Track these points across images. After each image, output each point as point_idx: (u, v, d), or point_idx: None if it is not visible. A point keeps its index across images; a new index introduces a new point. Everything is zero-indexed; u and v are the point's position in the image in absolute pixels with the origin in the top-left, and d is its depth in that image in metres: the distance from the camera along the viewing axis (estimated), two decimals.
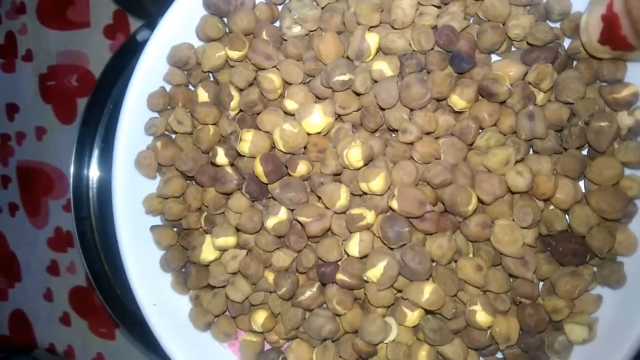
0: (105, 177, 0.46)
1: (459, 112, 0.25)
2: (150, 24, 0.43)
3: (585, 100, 0.25)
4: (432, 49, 0.25)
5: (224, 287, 0.27)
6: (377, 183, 0.24)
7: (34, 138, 0.55)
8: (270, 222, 0.25)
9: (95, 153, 0.45)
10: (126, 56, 0.44)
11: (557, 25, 0.26)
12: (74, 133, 0.49)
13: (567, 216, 0.25)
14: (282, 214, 0.26)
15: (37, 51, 0.55)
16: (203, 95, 0.28)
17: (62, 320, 0.55)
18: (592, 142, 0.24)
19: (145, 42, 0.43)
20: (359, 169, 0.25)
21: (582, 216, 0.24)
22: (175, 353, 0.28)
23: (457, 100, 0.25)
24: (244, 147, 0.26)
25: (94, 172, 0.45)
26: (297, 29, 0.27)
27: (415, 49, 0.25)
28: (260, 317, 0.27)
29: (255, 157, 0.26)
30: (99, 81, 0.45)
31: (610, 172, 0.24)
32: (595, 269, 0.25)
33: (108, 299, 0.44)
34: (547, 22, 0.26)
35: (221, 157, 0.27)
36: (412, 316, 0.25)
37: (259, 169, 0.25)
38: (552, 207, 0.25)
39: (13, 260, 0.56)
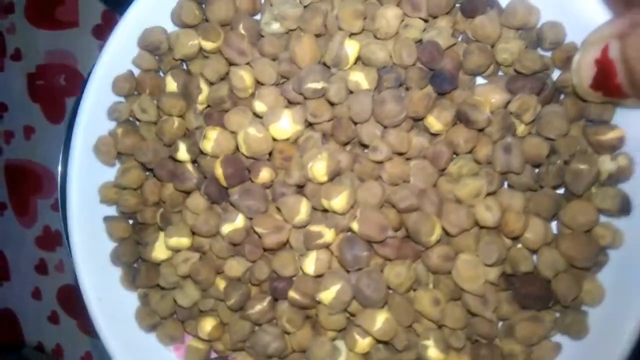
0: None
1: (435, 135, 0.24)
2: None
3: (567, 139, 0.23)
4: (414, 64, 0.24)
5: (173, 289, 0.26)
6: (339, 201, 0.23)
7: (23, 137, 0.56)
8: (226, 229, 0.24)
9: None
10: None
11: (549, 54, 0.24)
12: (62, 132, 0.49)
13: (534, 257, 0.24)
14: (239, 221, 0.24)
15: (25, 50, 0.55)
16: (172, 85, 0.26)
17: (51, 318, 0.56)
18: (569, 184, 0.23)
19: None
20: (323, 183, 0.24)
21: (550, 260, 0.23)
22: (116, 352, 0.27)
23: (434, 122, 0.23)
24: (207, 145, 0.24)
25: None
26: (276, 26, 0.25)
27: (396, 63, 0.24)
28: (207, 325, 0.26)
29: (217, 157, 0.24)
30: (87, 81, 0.45)
31: (585, 218, 0.23)
32: (557, 315, 0.24)
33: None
34: (539, 49, 0.24)
35: (183, 153, 0.25)
36: (363, 343, 0.24)
37: (219, 171, 0.24)
38: (519, 246, 0.24)
39: (1, 259, 0.57)
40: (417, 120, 0.24)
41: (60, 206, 0.47)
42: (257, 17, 0.26)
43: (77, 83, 0.54)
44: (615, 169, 0.23)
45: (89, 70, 0.47)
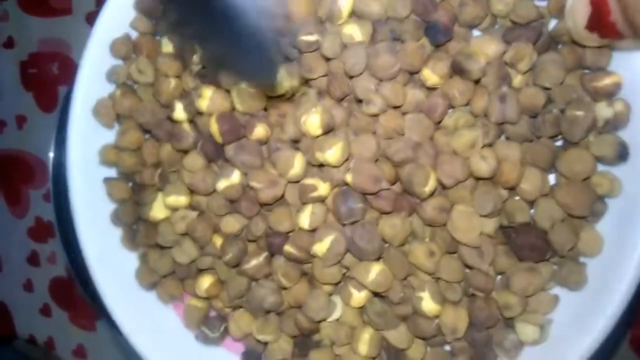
0: None
1: (431, 89, 0.24)
2: None
3: (564, 87, 0.24)
4: (408, 17, 0.24)
5: (171, 247, 0.27)
6: (333, 153, 0.23)
7: (15, 126, 0.55)
8: (221, 185, 0.25)
9: None
10: None
11: (544, 3, 0.24)
12: (55, 121, 0.48)
13: (531, 208, 0.24)
14: (235, 177, 0.25)
15: (18, 38, 0.55)
16: (168, 47, 0.27)
17: (43, 311, 0.55)
18: (565, 132, 0.23)
19: None
20: (317, 137, 0.24)
21: (547, 210, 0.23)
22: (117, 310, 0.28)
23: (429, 75, 0.24)
24: (203, 104, 0.25)
25: None
26: None
27: (390, 15, 0.24)
28: (205, 283, 0.26)
29: (213, 115, 0.25)
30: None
31: (581, 166, 0.23)
32: (555, 267, 0.24)
33: (88, 290, 0.44)
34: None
35: (179, 112, 0.26)
36: (359, 297, 0.24)
37: (214, 128, 0.25)
38: (516, 197, 0.24)
39: None
40: (413, 74, 0.25)
41: (53, 195, 0.46)
42: None
43: (71, 71, 0.54)
44: (612, 115, 0.23)
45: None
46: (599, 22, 0.21)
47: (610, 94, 0.23)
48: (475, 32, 0.25)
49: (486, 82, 0.24)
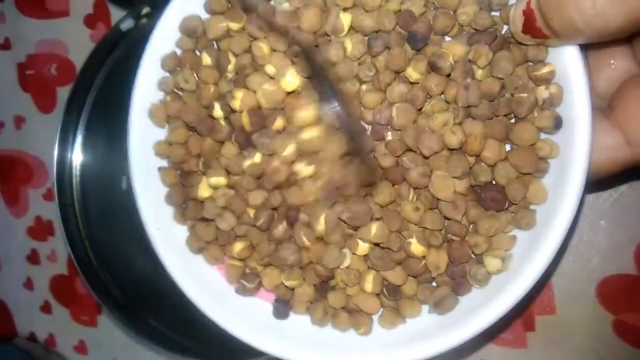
0: (89, 164, 0.47)
1: (413, 83, 0.32)
2: (134, 14, 0.44)
3: (512, 76, 0.31)
4: (394, 29, 0.32)
5: (213, 220, 0.35)
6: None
7: (13, 127, 0.56)
8: (246, 164, 0.32)
9: (78, 140, 0.46)
10: (110, 45, 0.46)
11: (497, 13, 0.31)
12: (53, 122, 0.50)
13: (492, 171, 0.31)
14: (257, 157, 0.32)
15: (15, 40, 0.56)
16: (207, 60, 0.35)
17: (43, 308, 0.57)
18: (515, 110, 0.30)
19: (128, 30, 0.45)
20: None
21: (503, 170, 0.31)
22: (173, 268, 0.35)
23: (412, 72, 0.31)
24: (235, 103, 0.33)
25: (77, 160, 0.47)
26: (285, 5, 0.33)
27: (380, 29, 0.32)
28: (237, 247, 0.34)
29: (243, 112, 0.33)
30: (82, 70, 0.46)
31: (527, 135, 0.30)
32: (512, 215, 0.32)
33: (92, 285, 0.46)
34: (491, 11, 0.31)
35: (217, 111, 0.34)
36: (363, 246, 0.32)
37: (245, 120, 0.32)
38: (481, 163, 0.31)
39: None
40: (399, 73, 0.33)
41: (57, 193, 0.48)
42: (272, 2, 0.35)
43: (69, 73, 0.55)
44: (548, 95, 0.30)
45: (84, 60, 0.48)
46: (530, 27, 0.28)
47: (547, 80, 0.30)
48: (447, 38, 0.33)
49: (455, 76, 0.31)
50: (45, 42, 0.55)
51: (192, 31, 0.34)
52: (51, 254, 0.56)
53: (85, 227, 0.46)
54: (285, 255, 0.32)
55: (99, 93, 0.47)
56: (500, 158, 0.31)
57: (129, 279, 0.47)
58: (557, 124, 0.30)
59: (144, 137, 0.35)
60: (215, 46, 0.35)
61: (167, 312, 0.46)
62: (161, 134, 0.36)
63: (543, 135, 0.31)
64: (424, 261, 0.32)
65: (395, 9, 0.32)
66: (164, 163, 0.36)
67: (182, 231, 0.36)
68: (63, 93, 0.54)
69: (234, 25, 0.33)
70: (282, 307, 0.34)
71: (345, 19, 0.32)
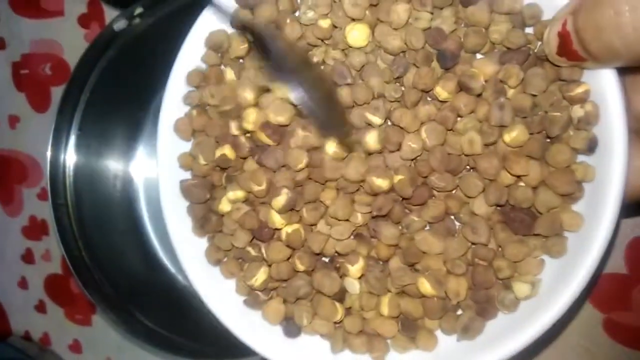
0: (82, 164, 0.47)
1: (442, 102, 0.31)
2: (127, 14, 0.44)
3: (546, 94, 0.29)
4: (423, 47, 0.31)
5: (232, 235, 0.34)
6: (371, 137, 0.31)
7: (7, 127, 0.56)
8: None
9: (72, 140, 0.46)
10: (103, 45, 0.46)
11: (531, 30, 0.30)
12: (48, 121, 0.50)
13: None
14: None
15: (10, 39, 0.56)
16: (230, 75, 0.34)
17: (38, 308, 0.57)
18: (548, 129, 0.29)
19: (121, 30, 0.45)
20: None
21: (545, 197, 0.29)
22: (194, 278, 0.35)
23: (440, 91, 0.30)
24: (248, 125, 0.32)
25: (70, 160, 0.47)
26: (310, 14, 0.32)
27: (408, 47, 0.31)
28: (259, 279, 0.33)
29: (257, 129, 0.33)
30: (76, 70, 0.46)
31: (562, 156, 0.29)
32: (542, 240, 0.30)
33: (86, 285, 0.46)
34: (525, 28, 0.30)
35: (234, 130, 0.33)
36: (354, 269, 0.31)
37: (262, 136, 0.32)
38: (521, 184, 0.30)
39: None
40: (427, 92, 0.31)
41: (50, 193, 0.48)
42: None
43: (63, 72, 0.55)
44: (584, 113, 0.28)
45: (77, 60, 0.48)
46: (565, 50, 0.27)
47: (582, 100, 0.29)
48: (479, 56, 0.31)
49: (485, 95, 0.30)
50: (39, 42, 0.55)
51: (217, 46, 0.34)
52: (45, 253, 0.56)
53: (78, 227, 0.46)
54: (298, 286, 0.32)
55: (92, 93, 0.46)
56: (542, 178, 0.29)
57: (123, 279, 0.47)
58: (592, 146, 0.28)
59: (170, 150, 0.35)
60: (240, 61, 0.35)
61: (161, 312, 0.46)
62: (186, 146, 0.36)
63: (580, 157, 0.29)
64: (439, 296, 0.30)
65: (425, 27, 0.31)
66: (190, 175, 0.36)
67: (201, 243, 0.36)
68: (58, 93, 0.54)
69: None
70: (292, 328, 0.33)
71: (359, 31, 0.31)
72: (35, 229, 0.56)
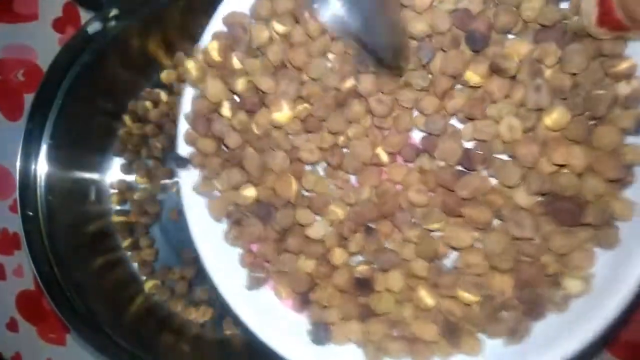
0: (54, 175, 0.44)
1: (474, 87, 0.29)
2: (102, 17, 0.42)
3: (587, 72, 0.28)
4: (449, 30, 0.29)
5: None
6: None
7: None
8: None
9: (43, 150, 0.43)
10: (76, 49, 0.43)
11: (567, 4, 0.29)
12: (20, 130, 0.47)
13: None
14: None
15: None
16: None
17: (9, 326, 0.54)
18: (592, 109, 0.27)
19: (96, 34, 0.42)
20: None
21: (592, 184, 0.27)
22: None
23: (471, 76, 0.28)
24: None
25: (42, 170, 0.44)
26: None
27: (434, 30, 0.29)
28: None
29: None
30: (47, 75, 0.43)
31: (608, 138, 0.27)
32: (591, 230, 0.28)
33: (58, 302, 0.43)
34: (559, 3, 0.28)
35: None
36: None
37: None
38: (565, 171, 0.28)
39: None
40: (456, 77, 0.29)
41: (20, 206, 0.45)
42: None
43: (37, 79, 0.52)
44: (630, 90, 0.27)
45: (49, 65, 0.44)
46: (606, 19, 0.25)
47: (627, 76, 0.27)
48: (510, 36, 0.30)
49: (521, 77, 0.28)
50: (12, 47, 0.52)
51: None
52: (18, 268, 0.53)
53: (50, 241, 0.43)
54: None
55: (65, 100, 0.44)
56: (587, 164, 0.27)
57: (97, 297, 0.44)
58: (639, 125, 0.26)
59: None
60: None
61: (137, 332, 0.44)
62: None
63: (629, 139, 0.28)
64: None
65: (450, 9, 0.29)
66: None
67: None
68: (31, 100, 0.51)
69: (280, 28, 0.31)
70: (321, 333, 0.31)
71: None
72: (6, 243, 0.53)
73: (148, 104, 0.47)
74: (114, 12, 0.42)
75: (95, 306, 0.43)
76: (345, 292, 0.31)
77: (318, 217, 0.31)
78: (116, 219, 0.48)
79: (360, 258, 0.32)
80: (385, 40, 0.28)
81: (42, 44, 0.51)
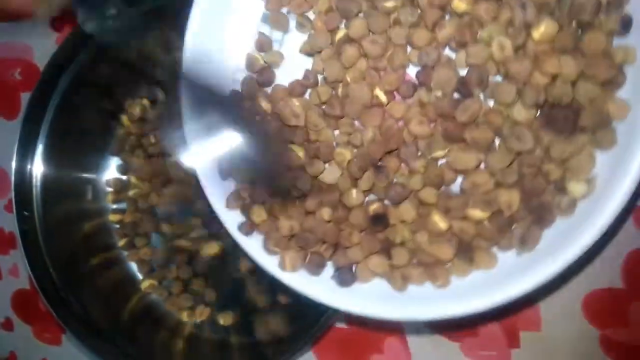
0: (50, 174, 0.44)
1: (463, 15, 0.30)
2: (99, 15, 0.41)
3: None
4: None
5: None
6: None
7: None
8: None
9: (40, 149, 0.43)
10: (73, 48, 0.43)
11: None
12: (17, 129, 0.47)
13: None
14: None
15: None
16: None
17: (4, 325, 0.53)
18: (578, 16, 0.28)
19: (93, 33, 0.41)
20: None
21: (583, 88, 0.28)
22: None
23: (458, 4, 0.30)
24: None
25: (38, 170, 0.43)
26: None
27: None
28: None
29: None
30: (44, 74, 0.43)
31: (596, 43, 0.27)
32: (588, 134, 0.29)
33: (53, 303, 0.42)
34: None
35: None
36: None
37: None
38: (557, 82, 0.28)
39: None
40: (444, 9, 0.31)
41: (15, 206, 0.45)
42: None
43: (34, 78, 0.52)
44: None
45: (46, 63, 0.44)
46: None
47: None
48: None
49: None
50: (8, 45, 0.52)
51: None
52: (13, 267, 0.52)
53: (46, 241, 0.43)
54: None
55: (62, 99, 0.44)
56: (578, 71, 0.28)
57: (94, 297, 0.44)
58: (626, 24, 0.27)
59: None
60: None
61: (134, 334, 0.44)
62: None
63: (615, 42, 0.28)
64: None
65: None
66: None
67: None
68: (28, 99, 0.51)
69: None
70: (346, 276, 0.32)
71: None
72: (2, 242, 0.53)
73: (146, 102, 0.47)
74: (112, 10, 0.42)
75: (90, 306, 0.43)
76: (364, 231, 0.32)
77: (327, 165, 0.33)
78: (112, 217, 0.48)
79: (371, 198, 0.33)
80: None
81: (39, 42, 0.51)
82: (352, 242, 0.32)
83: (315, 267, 0.33)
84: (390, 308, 0.31)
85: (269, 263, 0.34)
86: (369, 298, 0.32)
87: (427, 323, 0.40)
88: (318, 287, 0.33)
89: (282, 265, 0.33)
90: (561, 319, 0.38)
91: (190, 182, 0.36)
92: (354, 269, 0.33)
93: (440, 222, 0.30)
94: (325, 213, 0.32)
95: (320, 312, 0.36)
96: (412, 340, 0.41)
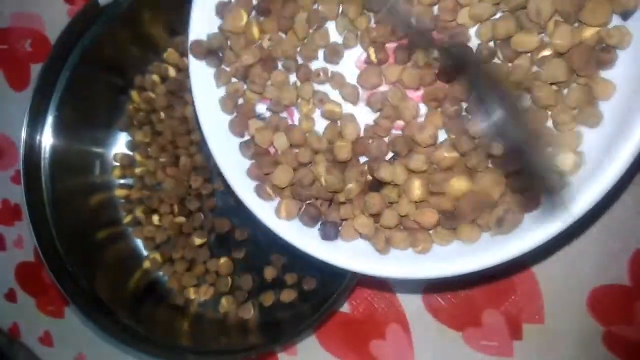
0: (59, 147, 0.44)
1: None
2: None
3: None
4: None
5: None
6: None
7: None
8: None
9: (49, 121, 0.43)
10: (86, 21, 0.42)
11: None
12: (26, 100, 0.46)
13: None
14: None
15: None
16: None
17: (8, 296, 0.53)
18: None
19: (107, 7, 0.41)
20: None
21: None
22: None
23: None
24: None
25: (47, 141, 0.43)
26: None
27: None
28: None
29: None
30: (56, 46, 0.43)
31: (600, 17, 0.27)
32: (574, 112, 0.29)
33: (58, 275, 0.42)
34: None
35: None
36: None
37: None
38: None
39: None
40: None
41: (23, 177, 0.45)
42: None
43: (44, 49, 0.51)
44: None
45: (57, 35, 0.44)
46: None
47: None
48: None
49: None
50: (20, 16, 0.51)
51: None
52: (18, 239, 0.52)
53: (53, 213, 0.43)
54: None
55: (73, 72, 0.43)
56: (572, 43, 0.28)
57: (99, 271, 0.44)
58: (625, 13, 0.27)
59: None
60: None
61: (138, 308, 0.43)
62: None
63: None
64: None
65: None
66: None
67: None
68: (37, 70, 0.50)
69: None
70: (330, 231, 0.33)
71: None
72: (7, 214, 0.53)
73: (155, 77, 0.46)
74: None
75: (95, 279, 0.43)
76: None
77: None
78: (119, 192, 0.48)
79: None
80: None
81: (51, 13, 0.50)
82: (348, 198, 0.33)
83: (309, 219, 0.33)
84: (372, 264, 0.32)
85: (263, 211, 0.34)
86: (353, 255, 0.33)
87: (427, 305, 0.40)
88: (307, 239, 0.33)
89: (277, 212, 0.33)
90: (565, 313, 0.38)
91: None
92: (340, 227, 0.33)
93: (417, 189, 0.31)
94: (320, 170, 0.32)
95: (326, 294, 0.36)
96: (415, 328, 0.41)
